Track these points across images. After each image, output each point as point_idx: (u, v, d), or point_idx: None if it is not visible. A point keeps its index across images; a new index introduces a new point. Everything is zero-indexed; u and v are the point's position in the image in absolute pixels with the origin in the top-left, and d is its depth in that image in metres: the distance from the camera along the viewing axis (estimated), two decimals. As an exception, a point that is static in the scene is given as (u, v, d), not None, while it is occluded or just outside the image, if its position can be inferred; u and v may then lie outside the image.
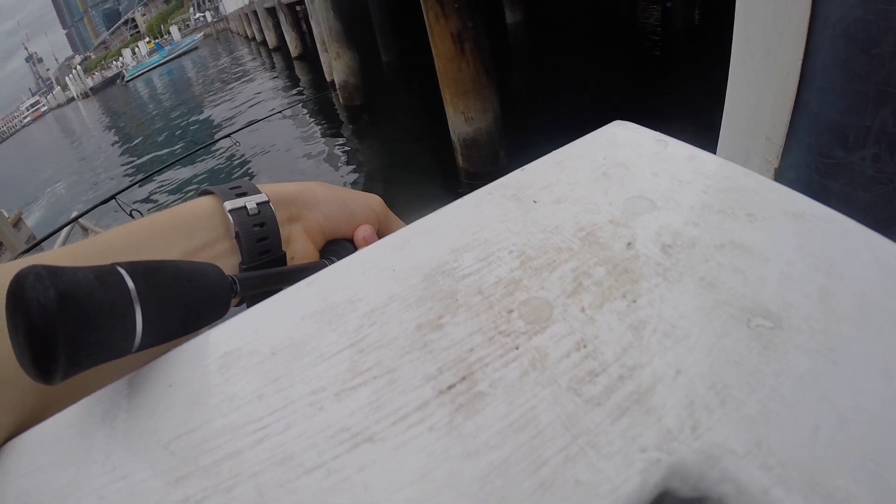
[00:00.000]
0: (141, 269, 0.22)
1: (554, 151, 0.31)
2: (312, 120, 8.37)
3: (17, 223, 6.29)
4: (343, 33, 7.16)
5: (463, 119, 4.17)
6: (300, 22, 13.27)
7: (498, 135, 4.24)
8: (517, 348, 0.21)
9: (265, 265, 0.35)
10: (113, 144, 17.00)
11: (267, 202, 0.35)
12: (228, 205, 0.34)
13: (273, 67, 14.46)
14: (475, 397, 0.20)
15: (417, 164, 5.23)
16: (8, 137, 77.48)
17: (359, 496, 0.18)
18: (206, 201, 0.35)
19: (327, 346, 0.23)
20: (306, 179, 0.41)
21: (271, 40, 17.61)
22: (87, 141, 22.12)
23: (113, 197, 2.79)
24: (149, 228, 0.32)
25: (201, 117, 12.98)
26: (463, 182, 4.39)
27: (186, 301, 0.24)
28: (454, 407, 0.19)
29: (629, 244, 0.24)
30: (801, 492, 0.15)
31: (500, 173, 0.31)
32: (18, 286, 0.19)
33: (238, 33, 32.44)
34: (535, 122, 4.16)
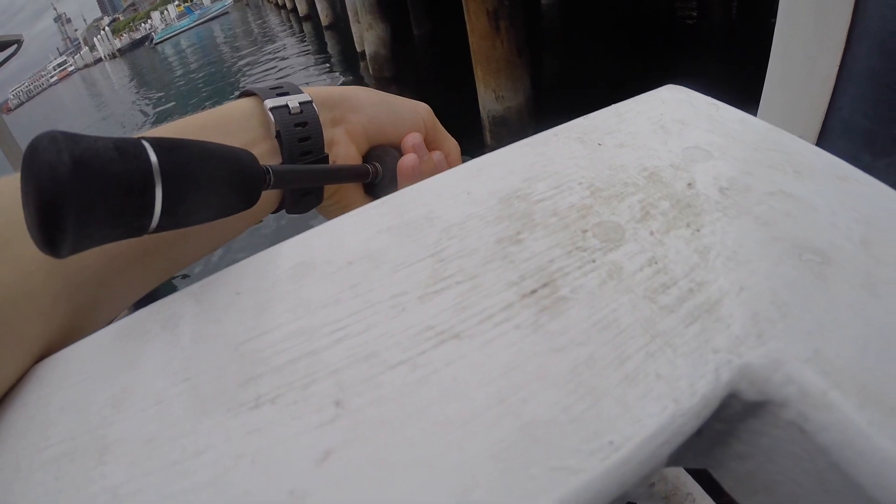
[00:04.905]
0: (167, 144, 0.21)
1: (612, 105, 0.33)
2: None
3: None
4: (376, 4, 7.08)
5: (494, 97, 4.13)
6: (332, -9, 13.21)
7: (528, 115, 4.21)
8: (594, 261, 0.22)
9: None
10: (136, 104, 17.18)
11: (310, 102, 0.34)
12: (269, 103, 0.33)
13: (303, 39, 14.38)
14: (558, 301, 0.20)
15: (444, 139, 5.18)
16: (35, 95, 78.38)
17: (448, 388, 0.18)
18: (245, 102, 0.34)
19: (406, 256, 0.23)
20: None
21: (302, 8, 17.48)
22: (112, 101, 22.29)
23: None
24: (183, 130, 0.31)
25: (230, 85, 12.98)
26: (490, 159, 4.35)
27: (213, 183, 0.23)
28: (539, 308, 0.20)
29: (689, 184, 0.25)
30: (856, 396, 0.16)
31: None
32: (32, 150, 0.18)
33: (269, 0, 32.35)
34: (565, 104, 4.12)
